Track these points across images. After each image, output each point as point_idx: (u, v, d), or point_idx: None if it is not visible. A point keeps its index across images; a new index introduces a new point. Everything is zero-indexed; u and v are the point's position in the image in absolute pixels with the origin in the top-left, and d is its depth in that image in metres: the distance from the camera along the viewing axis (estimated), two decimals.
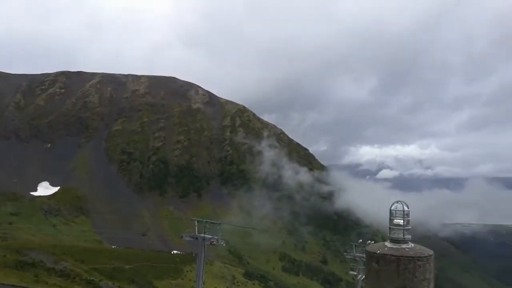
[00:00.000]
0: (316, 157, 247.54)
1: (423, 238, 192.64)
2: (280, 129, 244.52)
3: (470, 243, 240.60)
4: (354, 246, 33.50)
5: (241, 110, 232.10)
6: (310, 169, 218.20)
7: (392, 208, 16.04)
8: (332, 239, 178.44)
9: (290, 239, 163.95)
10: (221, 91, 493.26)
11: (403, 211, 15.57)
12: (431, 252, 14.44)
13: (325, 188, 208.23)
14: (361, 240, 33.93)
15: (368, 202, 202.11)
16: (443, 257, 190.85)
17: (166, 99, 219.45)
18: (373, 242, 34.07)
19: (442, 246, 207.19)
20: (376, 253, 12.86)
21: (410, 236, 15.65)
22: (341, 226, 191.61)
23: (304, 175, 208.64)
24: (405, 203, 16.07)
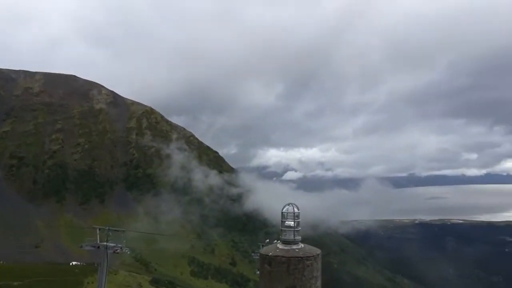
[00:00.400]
0: (226, 160, 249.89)
1: (324, 235, 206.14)
2: (190, 132, 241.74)
3: (365, 238, 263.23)
4: (261, 246, 34.68)
5: (148, 112, 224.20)
6: (220, 172, 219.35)
7: (283, 211, 16.86)
8: (241, 240, 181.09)
9: (199, 243, 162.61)
10: (127, 91, 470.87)
11: (294, 213, 16.52)
12: (318, 251, 15.52)
13: (234, 190, 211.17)
14: (268, 240, 35.16)
15: (274, 202, 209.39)
16: (343, 252, 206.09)
17: (65, 98, 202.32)
18: (279, 241, 35.99)
19: (341, 241, 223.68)
20: (268, 255, 13.51)
21: (300, 237, 16.63)
22: (250, 227, 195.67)
23: (214, 178, 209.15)
24: (295, 205, 16.99)
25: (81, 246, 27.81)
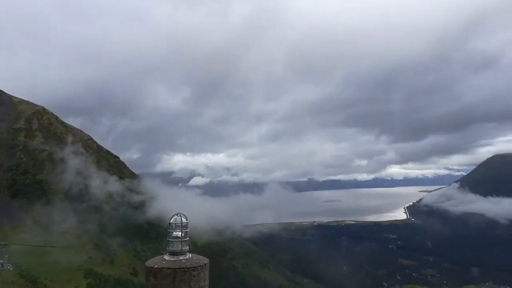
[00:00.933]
0: (128, 165, 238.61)
1: (230, 240, 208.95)
2: (88, 135, 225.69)
3: (268, 241, 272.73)
4: (164, 254, 34.17)
5: (40, 112, 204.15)
6: (121, 178, 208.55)
7: (171, 221, 16.99)
8: (143, 249, 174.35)
9: (97, 254, 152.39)
10: (16, 89, 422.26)
11: (182, 223, 16.73)
12: (206, 260, 15.99)
13: (136, 197, 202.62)
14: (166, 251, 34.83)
15: (180, 209, 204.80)
16: (247, 255, 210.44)
17: None
18: (166, 253, 35.62)
19: (246, 245, 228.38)
20: (154, 268, 13.55)
21: (188, 247, 16.93)
22: (153, 235, 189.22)
23: (114, 184, 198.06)
24: (184, 215, 17.24)
25: None
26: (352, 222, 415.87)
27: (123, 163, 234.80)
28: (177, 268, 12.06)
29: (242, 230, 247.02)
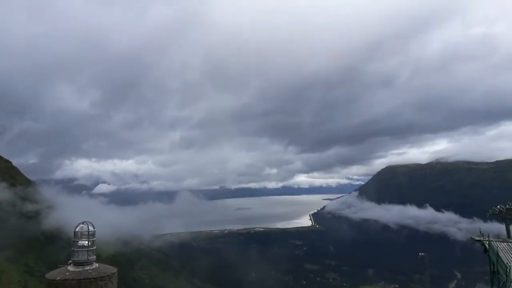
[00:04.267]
0: (22, 171, 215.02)
1: (137, 250, 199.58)
2: None
3: (178, 250, 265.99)
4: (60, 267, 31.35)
5: None
6: (13, 185, 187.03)
7: (76, 230, 15.97)
8: (37, 263, 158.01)
9: None
10: None
11: (88, 232, 15.83)
12: (114, 270, 15.27)
13: (31, 206, 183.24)
14: (71, 261, 31.95)
15: (82, 218, 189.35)
16: (155, 266, 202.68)
17: None
18: (70, 263, 33.04)
19: (154, 255, 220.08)
20: (56, 280, 12.46)
21: (94, 257, 15.97)
22: (49, 248, 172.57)
23: (3, 192, 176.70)
24: (91, 223, 16.30)
25: None
26: (262, 229, 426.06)
27: (16, 168, 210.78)
28: (82, 279, 11.27)
29: (151, 240, 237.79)
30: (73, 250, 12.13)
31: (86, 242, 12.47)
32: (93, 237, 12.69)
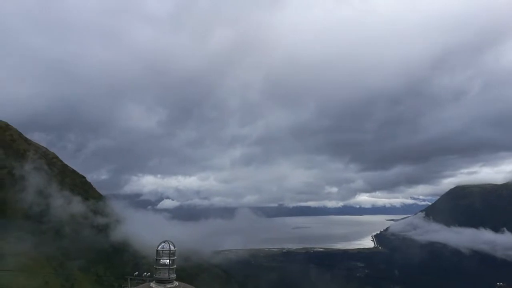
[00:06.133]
0: (95, 186, 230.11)
1: (197, 266, 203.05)
2: (53, 153, 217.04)
3: (236, 267, 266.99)
4: (129, 279, 32.20)
5: (3, 128, 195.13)
6: (86, 199, 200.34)
7: (159, 248, 16.15)
8: (106, 273, 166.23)
9: (56, 279, 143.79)
10: None
11: (169, 251, 15.94)
12: None
13: (101, 220, 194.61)
14: (137, 273, 32.82)
15: (147, 233, 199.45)
16: (215, 282, 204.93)
17: None
18: (149, 274, 33.71)
19: (214, 272, 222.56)
20: None
21: (175, 275, 15.99)
22: (117, 259, 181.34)
23: (78, 206, 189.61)
24: (172, 242, 16.37)
25: None
26: (321, 249, 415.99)
27: (89, 183, 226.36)
28: None
29: (211, 256, 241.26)
30: (156, 268, 12.35)
31: (168, 260, 12.79)
32: (174, 256, 12.93)
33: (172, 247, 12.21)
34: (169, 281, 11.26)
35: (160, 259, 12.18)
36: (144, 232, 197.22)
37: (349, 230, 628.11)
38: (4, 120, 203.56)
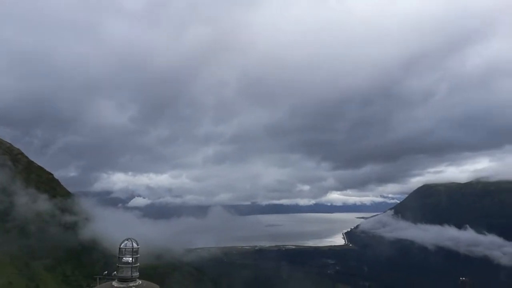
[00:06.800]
0: (63, 183, 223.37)
1: (169, 264, 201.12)
2: (18, 149, 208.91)
3: (209, 265, 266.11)
4: (98, 278, 31.68)
5: None
6: (53, 196, 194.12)
7: (121, 246, 15.87)
8: (74, 273, 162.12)
9: (20, 278, 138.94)
10: None
11: (132, 249, 15.71)
12: (157, 287, 15.05)
13: (69, 218, 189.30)
14: (106, 272, 32.24)
15: (117, 231, 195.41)
16: (187, 280, 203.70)
17: None
18: (115, 279, 33.37)
19: (186, 270, 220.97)
20: None
21: (138, 274, 15.76)
22: (86, 258, 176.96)
23: (44, 203, 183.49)
24: (135, 240, 16.14)
25: None
26: (293, 246, 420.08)
27: (57, 180, 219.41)
28: None
29: (183, 254, 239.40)
30: (118, 266, 12.15)
31: (130, 258, 12.56)
32: (137, 254, 12.72)
33: (135, 245, 11.99)
34: (132, 279, 11.08)
35: (122, 257, 11.97)
36: (114, 230, 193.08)
37: (321, 227, 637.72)
38: None
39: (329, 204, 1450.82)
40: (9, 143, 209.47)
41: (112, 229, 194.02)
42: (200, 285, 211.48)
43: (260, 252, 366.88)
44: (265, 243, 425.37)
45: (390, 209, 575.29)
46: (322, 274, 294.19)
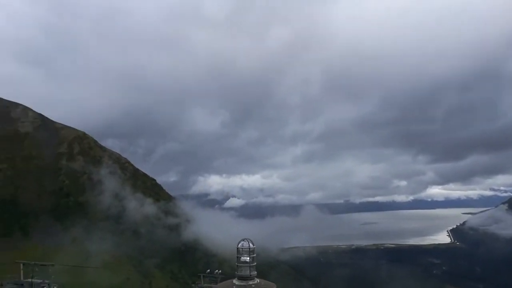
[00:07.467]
0: (165, 188, 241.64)
1: (265, 263, 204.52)
2: (125, 158, 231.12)
3: (305, 264, 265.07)
4: (202, 276, 32.76)
5: (81, 137, 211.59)
6: (157, 200, 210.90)
7: (239, 246, 15.84)
8: (180, 271, 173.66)
9: (135, 275, 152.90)
10: (58, 115, 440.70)
11: (249, 248, 15.59)
12: (274, 286, 14.69)
13: (172, 220, 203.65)
14: (209, 270, 33.34)
15: (215, 231, 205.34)
16: (285, 279, 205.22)
17: None
18: (220, 271, 34.23)
19: (283, 269, 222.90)
20: None
21: (255, 273, 15.53)
22: (189, 257, 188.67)
23: (150, 207, 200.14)
24: (250, 240, 15.96)
25: (2, 284, 24.80)
26: (392, 245, 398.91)
27: (159, 185, 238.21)
28: None
29: (278, 253, 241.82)
30: (237, 265, 12.33)
31: (248, 258, 12.68)
32: (253, 254, 12.80)
33: (251, 245, 12.03)
34: (251, 278, 11.09)
35: (240, 257, 12.05)
36: (213, 231, 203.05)
37: (422, 224, 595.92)
38: (82, 129, 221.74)
39: (429, 199, 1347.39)
40: (118, 153, 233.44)
41: (211, 230, 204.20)
42: (298, 284, 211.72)
43: (357, 251, 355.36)
44: (362, 242, 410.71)
45: (503, 203, 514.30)
46: (427, 274, 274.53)
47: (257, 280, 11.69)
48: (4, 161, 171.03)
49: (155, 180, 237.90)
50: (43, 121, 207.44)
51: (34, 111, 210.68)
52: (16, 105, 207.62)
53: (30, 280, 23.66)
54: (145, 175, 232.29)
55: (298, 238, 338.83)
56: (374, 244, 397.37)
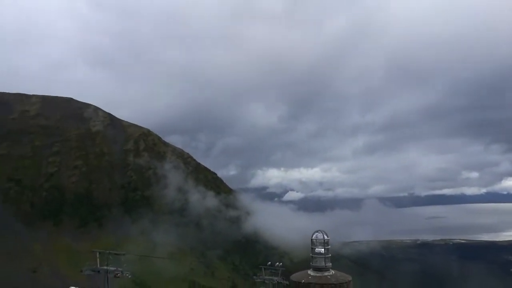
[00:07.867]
0: (225, 181, 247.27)
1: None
2: (187, 153, 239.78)
3: (368, 259, 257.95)
4: (263, 268, 32.73)
5: (146, 134, 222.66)
6: (218, 193, 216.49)
7: (313, 238, 15.23)
8: (241, 263, 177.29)
9: (199, 266, 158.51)
10: (124, 113, 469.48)
11: (324, 240, 14.93)
12: (349, 278, 13.95)
13: (233, 212, 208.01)
14: (269, 263, 33.24)
15: (275, 224, 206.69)
16: (347, 274, 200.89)
17: (62, 121, 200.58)
18: (281, 264, 34.11)
19: (345, 263, 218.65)
20: (301, 282, 12.18)
21: (331, 264, 14.81)
22: (250, 249, 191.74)
23: (212, 200, 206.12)
24: (325, 232, 15.25)
25: (81, 271, 27.02)
26: (463, 241, 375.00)
27: (220, 179, 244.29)
28: (324, 284, 11.05)
29: (340, 247, 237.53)
30: (312, 256, 11.91)
31: (323, 249, 12.30)
32: (328, 245, 12.30)
33: (325, 237, 11.58)
34: (326, 269, 10.65)
35: (315, 248, 11.66)
36: (273, 223, 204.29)
37: (496, 219, 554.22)
38: (146, 127, 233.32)
39: (505, 192, 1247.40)
40: (181, 149, 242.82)
41: (270, 223, 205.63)
42: (363, 279, 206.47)
43: (423, 246, 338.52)
44: (428, 237, 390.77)
45: None
46: (504, 272, 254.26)
47: (332, 272, 11.26)
48: (79, 158, 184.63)
49: (215, 174, 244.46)
50: (111, 120, 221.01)
51: (103, 110, 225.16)
52: (87, 105, 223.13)
53: (105, 267, 25.46)
54: (206, 169, 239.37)
55: (360, 232, 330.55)
56: (442, 239, 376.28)
